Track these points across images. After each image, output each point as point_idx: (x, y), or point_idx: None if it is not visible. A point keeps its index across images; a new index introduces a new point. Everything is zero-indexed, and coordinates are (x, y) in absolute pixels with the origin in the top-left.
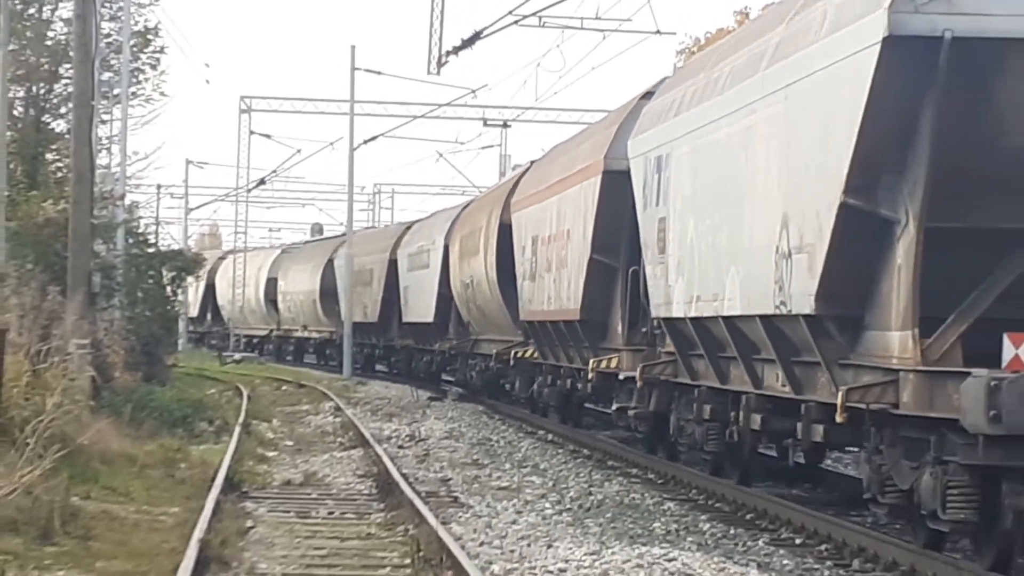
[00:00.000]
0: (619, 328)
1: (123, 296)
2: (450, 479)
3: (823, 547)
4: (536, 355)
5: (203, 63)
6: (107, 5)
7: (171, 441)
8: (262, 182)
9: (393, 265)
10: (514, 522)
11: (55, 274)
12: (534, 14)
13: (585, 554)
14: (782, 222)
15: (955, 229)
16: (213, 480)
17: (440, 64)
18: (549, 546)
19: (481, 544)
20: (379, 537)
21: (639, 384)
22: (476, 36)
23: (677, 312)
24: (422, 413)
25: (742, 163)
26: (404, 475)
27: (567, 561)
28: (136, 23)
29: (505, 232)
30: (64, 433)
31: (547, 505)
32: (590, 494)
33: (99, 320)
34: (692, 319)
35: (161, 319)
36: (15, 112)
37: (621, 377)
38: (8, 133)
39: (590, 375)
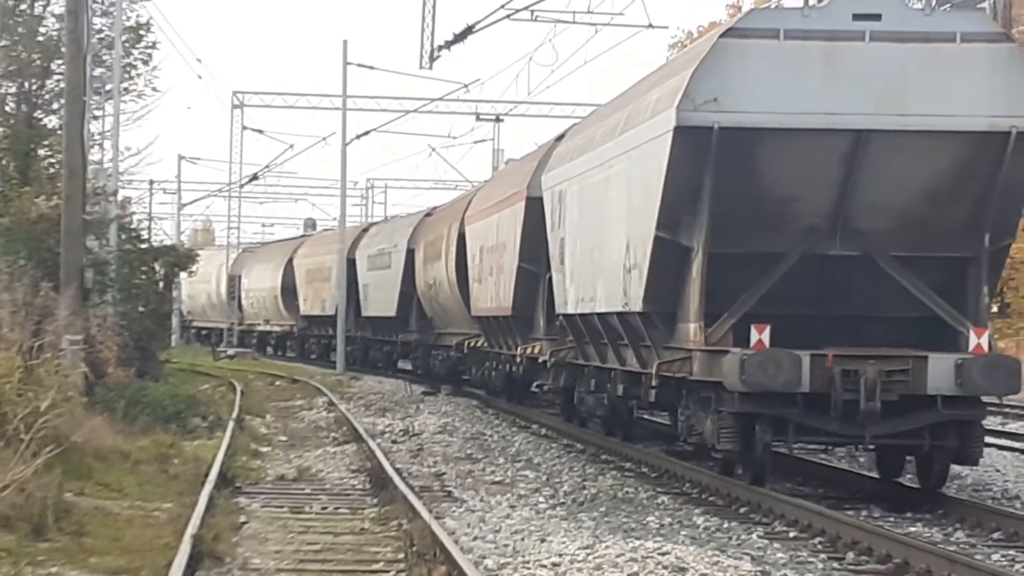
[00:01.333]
0: (540, 321)
1: (116, 292)
2: (444, 474)
3: (817, 540)
4: (485, 345)
5: (195, 58)
6: (99, 1)
7: (164, 437)
8: (255, 177)
9: (351, 264)
10: (508, 516)
11: (48, 270)
12: (526, 8)
13: (579, 548)
14: (626, 246)
15: (729, 254)
16: (206, 475)
17: (432, 59)
18: (543, 540)
19: (475, 539)
20: (373, 532)
21: (550, 365)
22: (468, 30)
23: (571, 309)
24: (416, 408)
25: (605, 202)
26: (398, 470)
27: (561, 555)
28: (128, 19)
29: (462, 241)
30: (58, 432)
31: (541, 499)
32: (584, 488)
33: (92, 316)
34: (580, 315)
35: (154, 315)
36: (7, 108)
37: (540, 360)
38: (0, 129)
39: (519, 359)
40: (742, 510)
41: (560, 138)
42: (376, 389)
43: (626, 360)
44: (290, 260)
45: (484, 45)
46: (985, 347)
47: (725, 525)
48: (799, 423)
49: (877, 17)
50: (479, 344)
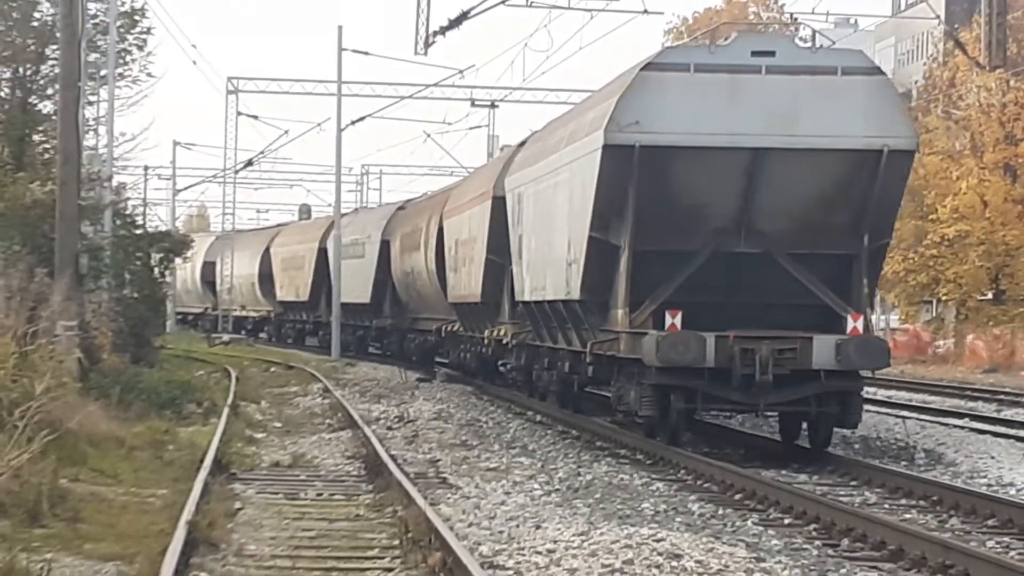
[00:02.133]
0: (506, 308)
1: (111, 278)
2: (439, 460)
3: (812, 527)
4: (461, 329)
5: (190, 44)
6: None
7: (159, 423)
8: (249, 163)
9: (323, 253)
10: (503, 503)
11: (42, 256)
12: None
13: (574, 535)
14: (568, 244)
15: (650, 251)
16: (201, 462)
17: (427, 44)
18: (538, 527)
19: (470, 525)
20: (368, 518)
21: (511, 346)
22: (463, 16)
23: (527, 297)
24: (411, 394)
25: (554, 205)
26: (392, 456)
27: (556, 542)
28: (123, 4)
29: (441, 234)
30: (53, 418)
31: (536, 486)
32: (579, 475)
33: (87, 302)
34: (534, 302)
35: (149, 301)
36: (1, 94)
37: (504, 342)
38: None
39: (487, 341)
40: (737, 497)
41: (522, 144)
42: (371, 376)
43: (571, 341)
44: (267, 249)
45: (479, 31)
46: (861, 329)
47: (720, 512)
48: (706, 393)
49: (772, 54)
50: (455, 328)
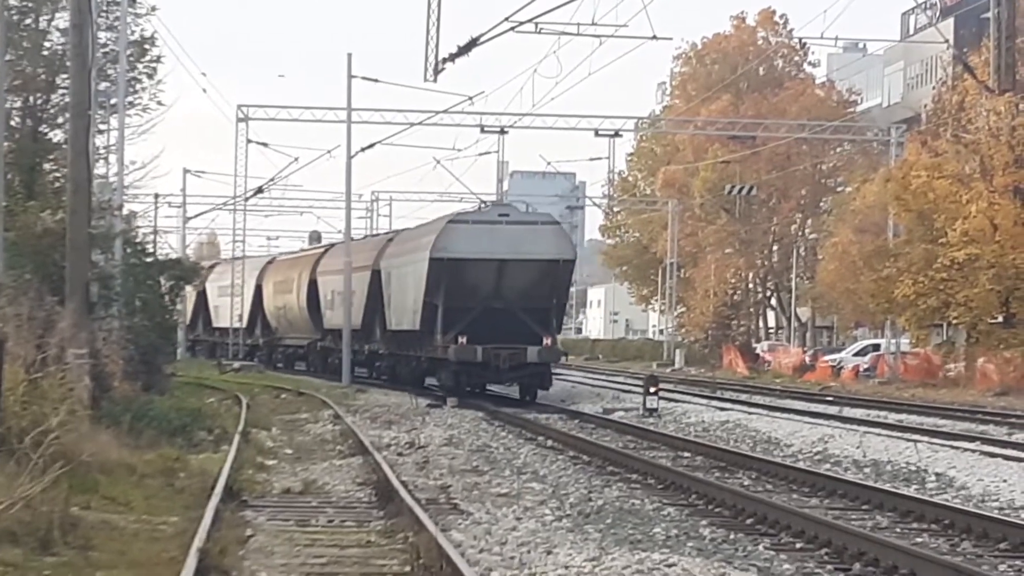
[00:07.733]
0: (378, 333)
1: (121, 305)
2: (450, 486)
3: (824, 551)
4: (331, 344)
5: (200, 72)
6: (104, 15)
7: (170, 450)
8: (260, 190)
9: (203, 293)
10: (514, 528)
11: (53, 284)
12: (530, 20)
13: (585, 560)
14: (414, 301)
15: (453, 306)
16: (212, 489)
17: (437, 71)
18: (549, 552)
19: (481, 551)
20: (379, 545)
21: (384, 355)
22: (472, 43)
23: (394, 328)
24: (421, 420)
25: (407, 281)
26: (403, 482)
27: (567, 567)
28: (133, 33)
29: (312, 284)
30: (66, 448)
31: (547, 511)
32: (590, 500)
33: (97, 330)
34: (397, 331)
35: (159, 328)
36: (12, 122)
37: (379, 353)
38: (5, 143)
39: (365, 353)
40: (748, 521)
41: (391, 240)
42: (382, 402)
43: (416, 351)
44: None
45: (488, 57)
46: (550, 343)
47: (731, 536)
48: (477, 375)
49: (508, 214)
50: (327, 344)
